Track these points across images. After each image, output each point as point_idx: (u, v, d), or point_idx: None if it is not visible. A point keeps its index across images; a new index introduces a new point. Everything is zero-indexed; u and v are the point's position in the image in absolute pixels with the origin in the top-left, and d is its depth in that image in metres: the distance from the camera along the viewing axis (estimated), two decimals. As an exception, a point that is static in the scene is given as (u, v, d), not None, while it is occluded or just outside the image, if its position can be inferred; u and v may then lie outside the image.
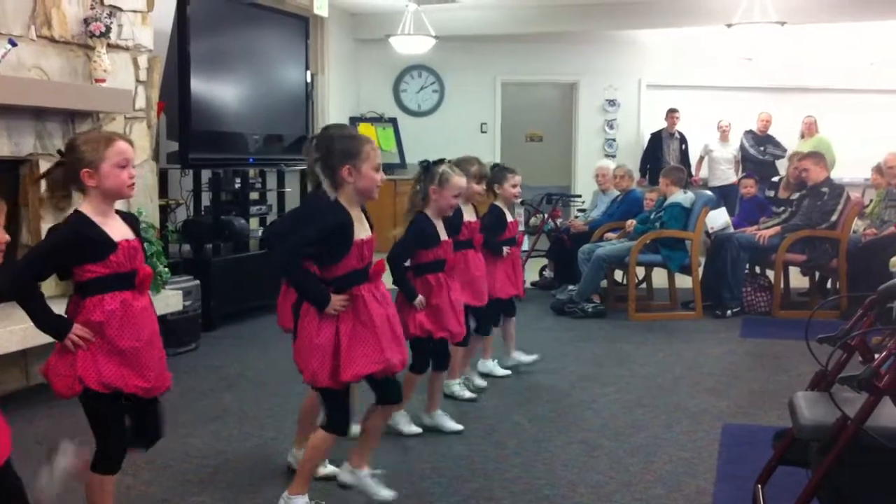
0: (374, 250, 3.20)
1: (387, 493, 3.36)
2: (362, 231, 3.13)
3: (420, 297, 4.03)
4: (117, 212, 2.89)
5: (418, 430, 4.27)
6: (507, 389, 5.09)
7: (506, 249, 5.18)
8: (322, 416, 3.27)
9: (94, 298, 2.75)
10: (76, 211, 2.79)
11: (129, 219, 2.94)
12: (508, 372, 5.44)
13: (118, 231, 2.82)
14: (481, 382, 5.14)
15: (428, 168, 4.08)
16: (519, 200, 5.49)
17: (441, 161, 4.15)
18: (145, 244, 4.69)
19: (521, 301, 5.56)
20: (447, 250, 4.17)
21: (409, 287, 4.03)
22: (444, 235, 4.16)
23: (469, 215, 4.71)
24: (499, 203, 5.24)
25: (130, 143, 2.89)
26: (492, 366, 5.41)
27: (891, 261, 5.87)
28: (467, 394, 4.89)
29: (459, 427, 4.31)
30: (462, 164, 4.48)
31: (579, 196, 10.37)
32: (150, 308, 2.90)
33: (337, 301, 3.05)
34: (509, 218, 5.34)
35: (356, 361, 3.07)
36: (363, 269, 3.13)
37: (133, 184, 2.87)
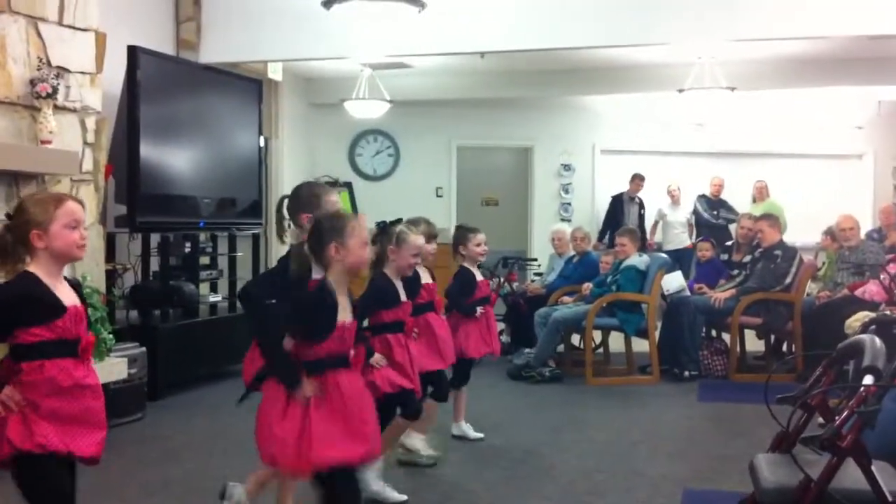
0: None
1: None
2: (345, 314, 3.02)
3: (377, 355, 3.96)
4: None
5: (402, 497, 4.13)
6: (462, 455, 4.97)
7: (479, 310, 5.20)
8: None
9: (33, 364, 2.63)
10: (25, 271, 2.69)
11: (73, 284, 2.86)
12: (481, 435, 5.33)
13: (67, 295, 2.74)
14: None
15: (385, 228, 4.08)
16: (482, 259, 5.47)
17: (398, 221, 4.15)
18: (89, 309, 4.56)
19: (477, 365, 5.46)
20: (406, 311, 4.15)
21: (366, 347, 3.94)
22: (403, 296, 4.13)
23: (426, 277, 4.67)
24: (466, 264, 5.22)
25: (81, 203, 2.81)
26: (465, 428, 5.30)
27: (846, 322, 5.86)
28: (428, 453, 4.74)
29: (403, 497, 4.14)
30: (410, 224, 4.44)
31: (535, 260, 10.36)
32: (94, 379, 2.78)
33: (309, 386, 2.90)
34: (478, 277, 5.31)
35: (330, 447, 2.89)
36: (342, 354, 3.01)
37: (84, 245, 2.79)
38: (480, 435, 5.34)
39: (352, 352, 3.06)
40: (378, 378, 3.93)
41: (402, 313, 4.12)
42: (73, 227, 2.72)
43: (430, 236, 4.68)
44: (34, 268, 2.70)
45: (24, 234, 2.69)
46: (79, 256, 2.82)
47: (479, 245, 5.30)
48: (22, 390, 2.62)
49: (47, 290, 2.67)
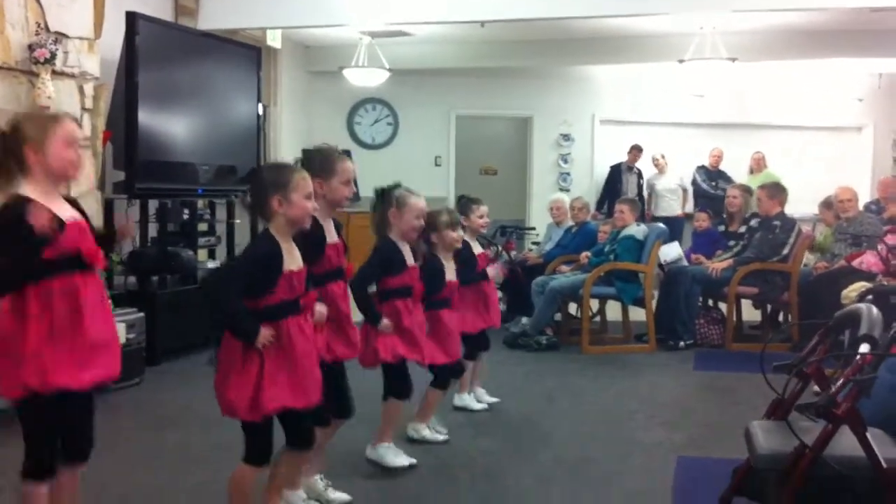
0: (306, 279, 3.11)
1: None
2: (293, 262, 3.03)
3: (385, 321, 3.97)
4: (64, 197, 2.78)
5: (409, 461, 4.14)
6: (459, 423, 4.98)
7: (496, 270, 5.35)
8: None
9: (38, 285, 2.61)
10: (16, 194, 2.65)
11: (72, 202, 2.82)
12: (485, 406, 5.32)
13: (65, 211, 2.68)
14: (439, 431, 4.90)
15: (383, 194, 4.03)
16: (484, 231, 5.45)
17: (395, 186, 4.08)
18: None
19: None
20: (413, 276, 4.11)
21: (373, 312, 3.97)
22: (410, 261, 4.10)
23: (451, 275, 4.65)
24: (466, 236, 5.18)
25: (78, 123, 2.78)
26: (468, 400, 5.30)
27: (843, 293, 5.88)
28: (440, 437, 4.69)
29: (409, 461, 4.16)
30: (431, 218, 4.42)
31: (533, 228, 10.36)
32: (104, 296, 2.79)
33: (265, 335, 2.91)
34: (478, 250, 5.30)
35: (279, 394, 2.94)
36: (293, 301, 3.02)
37: (80, 164, 2.76)
38: (484, 405, 5.33)
39: (302, 301, 3.08)
40: (381, 346, 3.96)
41: (408, 278, 4.07)
42: (69, 145, 2.69)
43: (453, 224, 4.60)
44: (27, 188, 2.66)
45: (17, 149, 2.64)
46: (74, 176, 2.79)
47: (481, 217, 5.27)
48: (29, 317, 2.59)
49: (41, 206, 2.62)
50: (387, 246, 4.05)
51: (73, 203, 2.83)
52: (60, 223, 2.64)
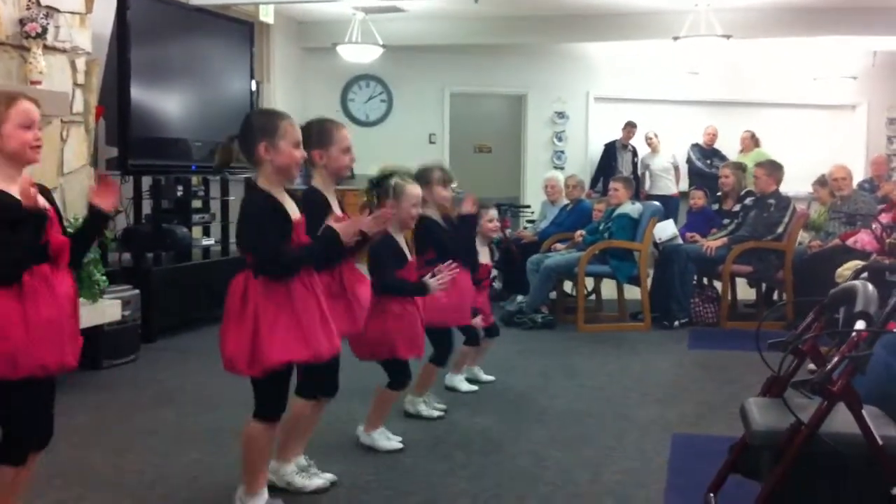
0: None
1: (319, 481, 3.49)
2: (291, 211, 3.02)
3: (431, 282, 3.95)
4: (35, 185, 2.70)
5: (398, 445, 4.13)
6: (454, 401, 4.99)
7: None
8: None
9: None
10: None
11: (42, 191, 2.76)
12: (475, 388, 5.30)
13: (26, 196, 2.61)
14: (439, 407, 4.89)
15: (379, 184, 3.96)
16: (495, 237, 5.42)
17: (389, 175, 4.00)
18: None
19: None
20: (411, 272, 4.05)
21: (414, 286, 3.96)
22: (409, 255, 4.06)
23: (485, 257, 4.80)
24: (476, 241, 5.16)
25: (36, 102, 2.72)
26: (458, 380, 5.29)
27: (837, 271, 5.89)
28: (435, 413, 4.70)
29: (399, 445, 4.14)
30: (424, 172, 4.40)
31: (528, 206, 10.35)
32: (72, 289, 2.75)
33: (347, 227, 3.02)
34: (483, 259, 5.26)
35: (276, 348, 2.93)
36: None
37: (38, 146, 2.69)
38: (473, 388, 5.32)
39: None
40: (376, 345, 3.91)
41: (407, 273, 4.02)
42: (26, 126, 2.64)
43: (446, 181, 4.56)
44: None
45: None
46: (34, 159, 2.71)
47: (491, 221, 5.25)
48: None
49: (2, 192, 2.58)
50: (387, 244, 3.95)
51: (43, 192, 2.76)
52: (18, 206, 2.58)
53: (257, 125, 3.01)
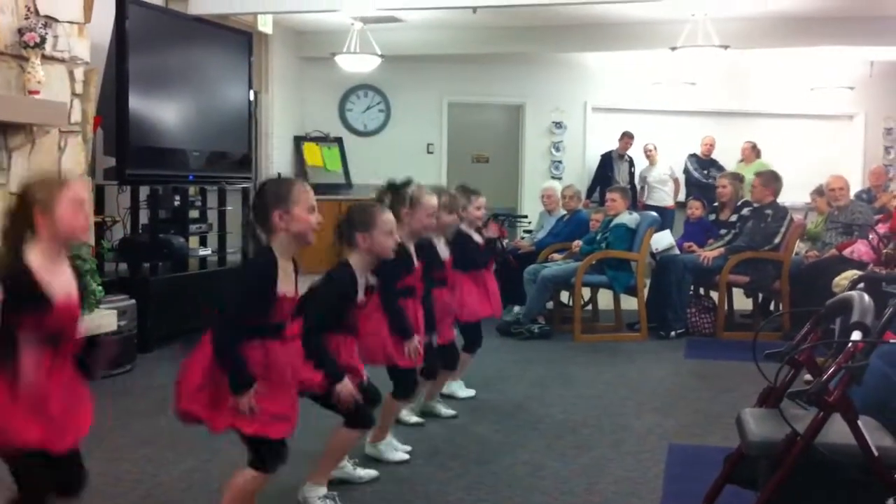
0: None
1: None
2: (287, 286, 2.98)
3: (413, 341, 3.87)
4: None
5: (405, 455, 4.12)
6: (451, 410, 4.99)
7: None
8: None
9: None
10: (14, 263, 2.59)
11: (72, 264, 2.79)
12: (472, 392, 5.31)
13: (63, 283, 2.64)
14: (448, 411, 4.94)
15: (396, 190, 3.93)
16: (480, 223, 5.40)
17: (408, 182, 3.99)
18: (77, 262, 4.50)
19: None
20: (417, 277, 4.04)
21: (405, 325, 3.88)
22: (415, 261, 4.03)
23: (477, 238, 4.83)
24: (463, 227, 5.15)
25: (85, 183, 2.75)
26: (455, 387, 5.29)
27: (834, 280, 5.89)
28: (413, 418, 4.72)
29: (406, 455, 4.14)
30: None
31: (525, 217, 10.35)
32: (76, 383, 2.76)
33: (245, 402, 2.85)
34: (477, 240, 5.27)
35: (265, 419, 2.88)
36: (277, 325, 2.96)
37: (87, 226, 2.73)
38: (471, 392, 5.32)
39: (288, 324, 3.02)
40: (375, 349, 3.87)
41: (412, 279, 4.00)
42: (78, 208, 2.66)
43: (451, 208, 4.54)
44: (34, 251, 2.61)
45: (29, 213, 2.61)
46: (83, 240, 2.76)
47: (479, 208, 5.21)
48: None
49: (36, 282, 2.58)
50: (399, 251, 3.89)
51: (76, 271, 2.80)
52: (48, 303, 2.59)
53: (271, 194, 2.98)
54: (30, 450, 2.59)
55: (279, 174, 8.98)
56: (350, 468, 3.80)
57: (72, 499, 2.82)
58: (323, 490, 3.52)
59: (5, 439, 2.56)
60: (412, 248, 4.03)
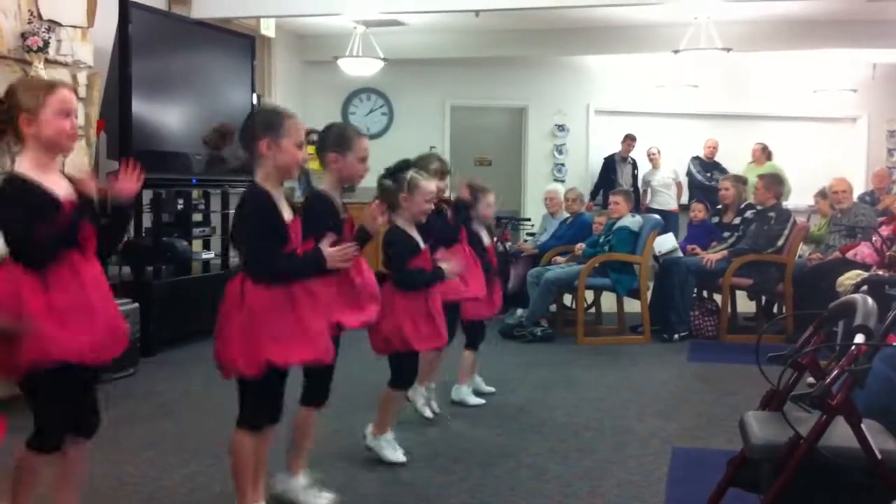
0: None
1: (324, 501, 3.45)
2: (286, 212, 3.00)
3: (446, 266, 4.02)
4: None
5: (402, 458, 4.11)
6: (453, 414, 4.99)
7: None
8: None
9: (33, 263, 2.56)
10: (10, 174, 2.59)
11: (72, 181, 2.77)
12: (482, 401, 5.29)
13: (61, 188, 2.63)
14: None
15: (394, 175, 3.98)
16: (491, 219, 5.43)
17: (404, 165, 4.03)
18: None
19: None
20: (426, 259, 4.07)
21: (431, 275, 3.99)
22: (421, 244, 4.06)
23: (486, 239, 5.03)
24: (474, 225, 5.22)
25: (75, 92, 2.73)
26: (465, 393, 5.29)
27: (839, 280, 5.89)
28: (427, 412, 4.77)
29: (403, 459, 4.13)
30: (421, 161, 4.42)
31: (528, 219, 10.35)
32: (101, 279, 2.75)
33: (332, 254, 2.95)
34: (485, 241, 5.29)
35: (276, 348, 2.89)
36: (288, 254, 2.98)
37: (74, 134, 2.69)
38: (481, 400, 5.31)
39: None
40: (394, 335, 3.93)
41: (421, 261, 4.03)
42: (64, 114, 2.63)
43: (443, 172, 4.62)
44: (24, 162, 2.61)
45: (12, 118, 2.59)
46: (69, 148, 2.72)
47: (489, 206, 5.25)
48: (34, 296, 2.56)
49: (36, 187, 2.57)
50: (397, 236, 4.00)
51: (71, 181, 2.77)
52: (56, 203, 2.59)
53: (261, 120, 2.98)
54: (57, 371, 2.58)
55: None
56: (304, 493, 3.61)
57: (84, 440, 2.83)
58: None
59: (46, 352, 2.55)
60: (414, 233, 4.06)
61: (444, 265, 4.05)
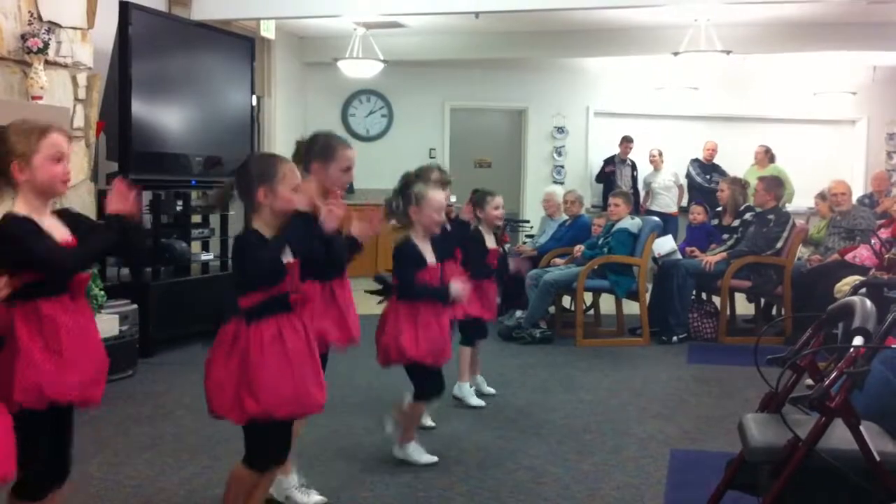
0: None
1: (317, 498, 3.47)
2: (284, 255, 2.97)
3: (455, 287, 3.98)
4: (54, 212, 2.71)
5: (433, 458, 4.13)
6: (451, 416, 4.99)
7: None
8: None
9: (26, 305, 2.55)
10: (7, 213, 2.58)
11: (66, 216, 2.75)
12: (482, 403, 5.28)
13: (56, 232, 2.62)
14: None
15: (402, 192, 4.00)
16: (499, 224, 5.44)
17: (409, 177, 4.08)
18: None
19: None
20: (434, 275, 4.06)
21: (438, 292, 3.98)
22: (431, 259, 4.05)
23: (491, 243, 5.02)
24: (481, 228, 5.22)
25: (66, 134, 2.71)
26: (466, 391, 5.29)
27: (836, 286, 5.89)
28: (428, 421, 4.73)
29: (434, 458, 4.13)
30: (421, 173, 4.43)
31: (528, 221, 10.35)
32: (91, 322, 2.73)
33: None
34: (490, 244, 5.29)
35: (267, 399, 2.84)
36: (284, 296, 2.93)
37: (67, 179, 2.67)
38: (482, 402, 5.30)
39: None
40: (393, 349, 3.93)
41: (429, 276, 4.02)
42: (56, 159, 2.61)
43: (444, 183, 4.59)
44: (18, 205, 2.60)
45: (5, 165, 2.57)
46: (62, 191, 2.70)
47: (496, 209, 5.26)
48: (18, 337, 2.54)
49: (36, 224, 2.57)
50: (406, 248, 4.00)
51: (62, 215, 2.76)
52: (55, 243, 2.59)
53: (256, 171, 2.96)
54: (45, 412, 2.57)
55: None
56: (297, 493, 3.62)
57: (60, 489, 2.80)
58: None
59: (40, 391, 2.54)
60: (425, 248, 4.04)
61: (453, 287, 4.00)
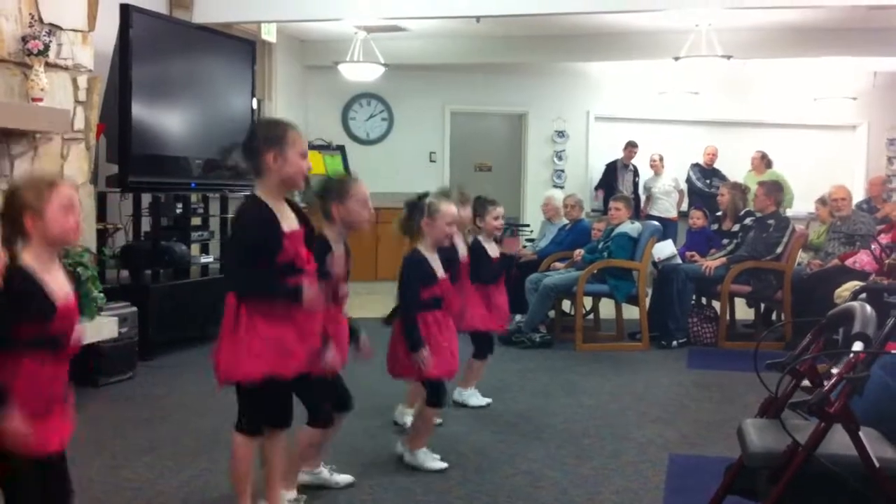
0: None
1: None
2: (287, 223, 2.98)
3: (423, 353, 3.87)
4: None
5: (443, 465, 4.13)
6: (451, 419, 4.98)
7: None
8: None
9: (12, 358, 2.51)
10: (17, 267, 2.55)
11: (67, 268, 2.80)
12: (485, 401, 5.32)
13: (60, 286, 2.61)
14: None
15: (415, 204, 3.99)
16: (499, 234, 5.45)
17: (424, 195, 4.06)
18: (79, 268, 4.48)
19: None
20: (444, 287, 4.05)
21: (417, 337, 3.89)
22: (440, 272, 4.04)
23: (494, 251, 5.02)
24: (480, 238, 5.21)
25: (74, 187, 2.72)
26: (467, 395, 5.30)
27: (836, 292, 5.88)
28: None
29: (444, 465, 4.13)
30: (441, 193, 4.42)
31: (528, 225, 10.35)
32: (66, 375, 2.70)
33: (308, 294, 2.92)
34: (493, 253, 5.28)
35: (252, 361, 2.91)
36: (297, 265, 2.97)
37: (78, 229, 2.67)
38: (484, 401, 5.32)
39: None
40: (404, 365, 3.96)
41: (438, 290, 4.00)
42: (68, 211, 2.62)
43: (464, 201, 4.66)
44: (28, 256, 2.59)
45: (18, 216, 2.57)
46: (74, 242, 2.72)
47: (496, 218, 5.25)
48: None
49: (39, 287, 2.55)
50: (415, 260, 3.98)
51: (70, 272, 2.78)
52: (52, 307, 2.56)
53: (265, 134, 2.96)
54: (29, 460, 2.55)
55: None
56: (326, 473, 3.79)
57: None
58: (292, 494, 3.51)
59: (28, 446, 2.51)
60: (436, 260, 4.04)
61: (423, 352, 3.91)
